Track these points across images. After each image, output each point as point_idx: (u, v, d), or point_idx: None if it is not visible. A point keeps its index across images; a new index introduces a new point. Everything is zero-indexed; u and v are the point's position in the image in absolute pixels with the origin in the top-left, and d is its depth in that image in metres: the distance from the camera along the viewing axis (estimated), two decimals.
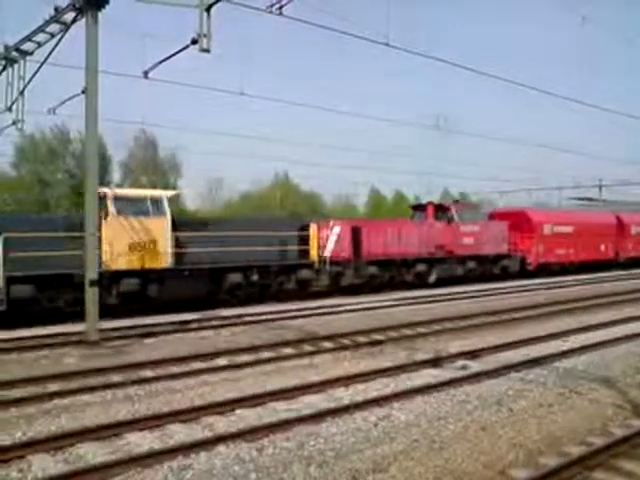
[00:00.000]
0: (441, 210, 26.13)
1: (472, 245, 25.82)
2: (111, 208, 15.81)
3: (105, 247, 15.42)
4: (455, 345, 11.54)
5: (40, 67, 14.34)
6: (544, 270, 30.09)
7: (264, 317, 15.58)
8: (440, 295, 20.67)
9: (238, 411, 7.31)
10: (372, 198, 67.09)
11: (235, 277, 18.11)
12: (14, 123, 15.69)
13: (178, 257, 16.87)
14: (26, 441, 6.18)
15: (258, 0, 11.87)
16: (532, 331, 12.94)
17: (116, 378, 9.03)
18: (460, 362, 10.03)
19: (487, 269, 26.85)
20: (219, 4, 10.97)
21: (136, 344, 12.06)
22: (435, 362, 9.98)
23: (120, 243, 15.78)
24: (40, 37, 13.86)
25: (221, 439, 6.20)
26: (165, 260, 16.48)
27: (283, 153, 73.32)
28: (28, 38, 13.93)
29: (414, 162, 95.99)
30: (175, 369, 9.66)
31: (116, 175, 49.88)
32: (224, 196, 57.47)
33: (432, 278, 24.11)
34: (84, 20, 12.20)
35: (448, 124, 39.00)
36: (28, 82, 14.89)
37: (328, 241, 21.00)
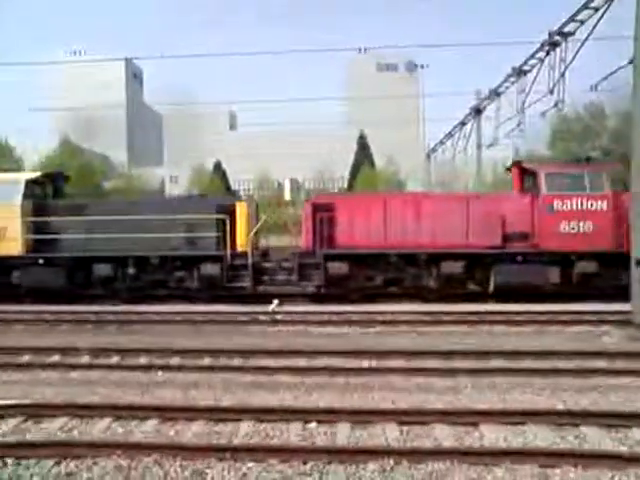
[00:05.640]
0: (528, 176, 16.09)
1: (589, 233, 14.74)
2: None
3: None
4: None
5: (582, 45, 14.52)
6: None
7: None
8: None
9: None
10: None
11: (104, 269, 15.53)
12: (556, 105, 16.47)
13: (34, 244, 15.79)
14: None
15: None
16: None
17: None
18: None
19: None
20: None
21: None
22: None
23: None
24: (582, 15, 14.00)
25: None
26: (15, 247, 15.57)
27: None
28: (571, 18, 14.25)
29: None
30: None
31: None
32: None
33: (491, 286, 15.34)
34: None
35: None
36: (569, 63, 15.30)
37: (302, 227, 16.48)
